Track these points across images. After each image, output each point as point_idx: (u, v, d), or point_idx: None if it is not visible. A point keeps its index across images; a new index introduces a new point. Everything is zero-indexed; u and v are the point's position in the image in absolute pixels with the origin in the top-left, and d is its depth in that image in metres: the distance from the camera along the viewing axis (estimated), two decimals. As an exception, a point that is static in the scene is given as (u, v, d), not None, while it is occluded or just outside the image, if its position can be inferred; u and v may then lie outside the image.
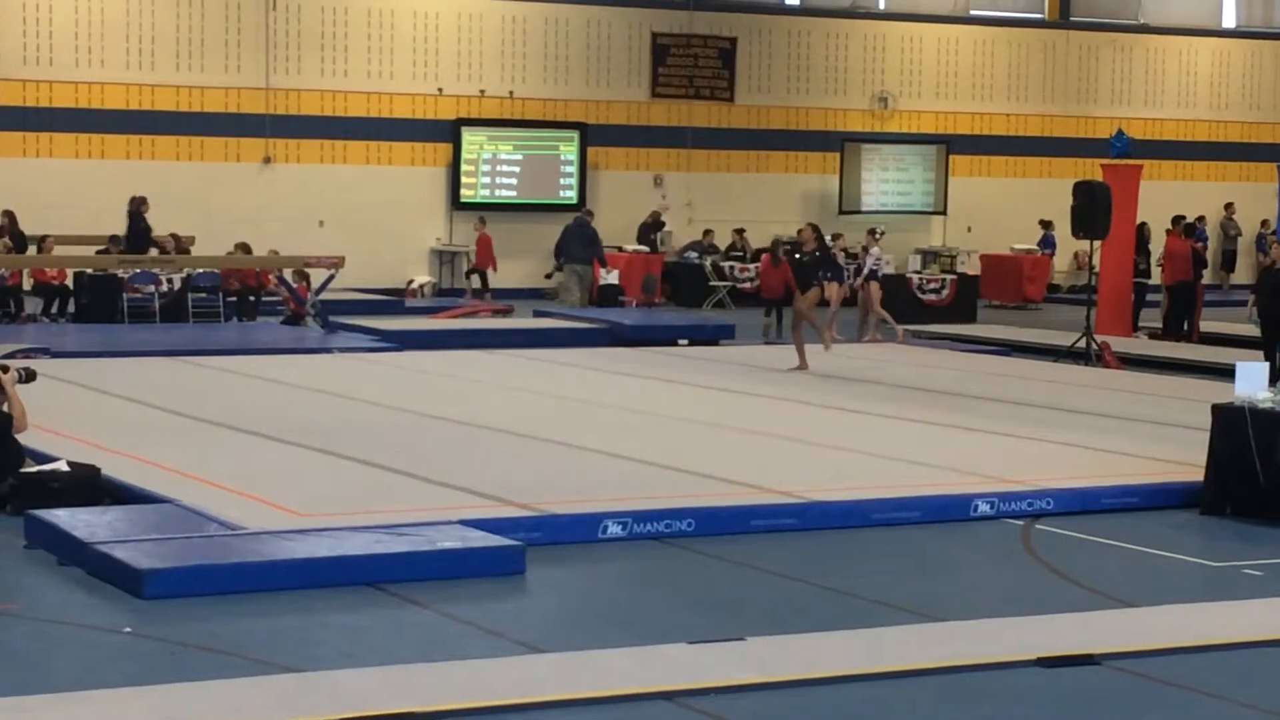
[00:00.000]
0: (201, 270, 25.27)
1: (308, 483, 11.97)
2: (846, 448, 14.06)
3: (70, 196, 28.82)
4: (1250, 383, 12.08)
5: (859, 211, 34.61)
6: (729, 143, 34.17)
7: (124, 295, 24.34)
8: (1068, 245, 33.25)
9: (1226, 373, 15.38)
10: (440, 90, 31.87)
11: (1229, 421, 11.93)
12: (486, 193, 32.32)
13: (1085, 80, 37.40)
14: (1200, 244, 28.67)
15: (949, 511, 11.78)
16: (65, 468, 11.47)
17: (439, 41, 31.89)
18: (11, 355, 17.68)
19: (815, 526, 11.35)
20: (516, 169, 32.45)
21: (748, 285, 30.88)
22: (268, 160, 30.75)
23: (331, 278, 23.87)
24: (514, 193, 32.53)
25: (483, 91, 32.23)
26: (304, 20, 30.85)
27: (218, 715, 7.17)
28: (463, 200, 31.99)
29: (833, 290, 22.83)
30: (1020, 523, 11.71)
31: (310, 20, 30.89)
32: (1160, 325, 25.82)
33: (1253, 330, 22.41)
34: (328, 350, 21.07)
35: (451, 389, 17.71)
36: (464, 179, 32.03)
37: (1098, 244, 23.79)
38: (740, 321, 25.43)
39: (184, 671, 7.88)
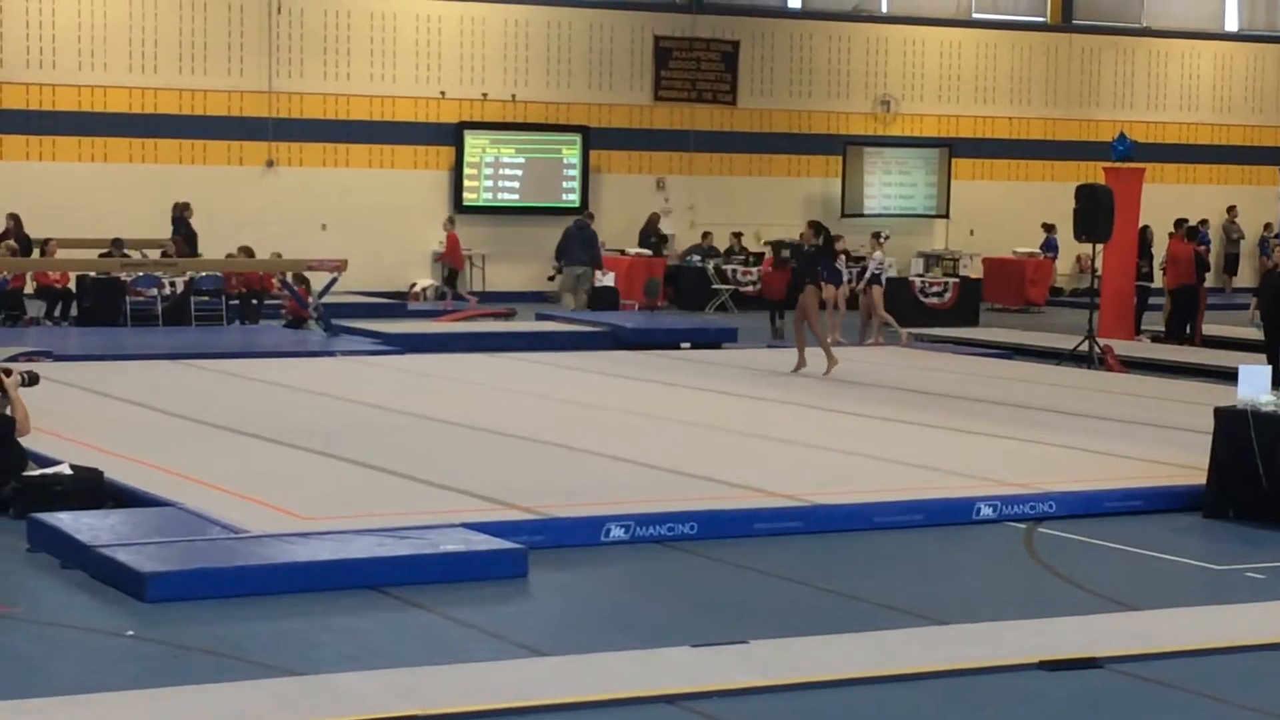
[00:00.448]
0: (204, 273, 25.31)
1: (310, 486, 11.96)
2: (849, 451, 14.06)
3: (73, 200, 28.87)
4: (1253, 386, 12.07)
5: (861, 215, 34.62)
6: (731, 146, 34.18)
7: (127, 298, 24.36)
8: (1070, 248, 33.25)
9: (1229, 376, 15.37)
10: (443, 93, 31.90)
11: (1231, 425, 11.91)
12: (489, 196, 32.35)
13: (1088, 83, 37.39)
14: (1203, 247, 28.63)
15: (952, 515, 11.76)
16: (68, 471, 11.45)
17: (441, 45, 31.91)
18: (14, 358, 17.68)
19: (818, 530, 11.33)
20: (519, 172, 32.46)
21: (750, 288, 30.89)
22: (270, 163, 30.77)
23: (334, 281, 23.88)
24: (516, 196, 32.56)
25: (485, 95, 32.25)
26: (306, 24, 30.87)
27: (220, 718, 7.17)
28: (465, 204, 32.01)
29: (829, 293, 22.81)
30: (1023, 526, 11.70)
31: (313, 24, 30.91)
32: (1163, 328, 25.79)
33: (1255, 333, 22.41)
34: (330, 353, 21.07)
35: (454, 392, 17.72)
36: (466, 182, 32.04)
37: (1100, 247, 23.76)
38: (743, 325, 25.42)
39: (186, 674, 7.88)
